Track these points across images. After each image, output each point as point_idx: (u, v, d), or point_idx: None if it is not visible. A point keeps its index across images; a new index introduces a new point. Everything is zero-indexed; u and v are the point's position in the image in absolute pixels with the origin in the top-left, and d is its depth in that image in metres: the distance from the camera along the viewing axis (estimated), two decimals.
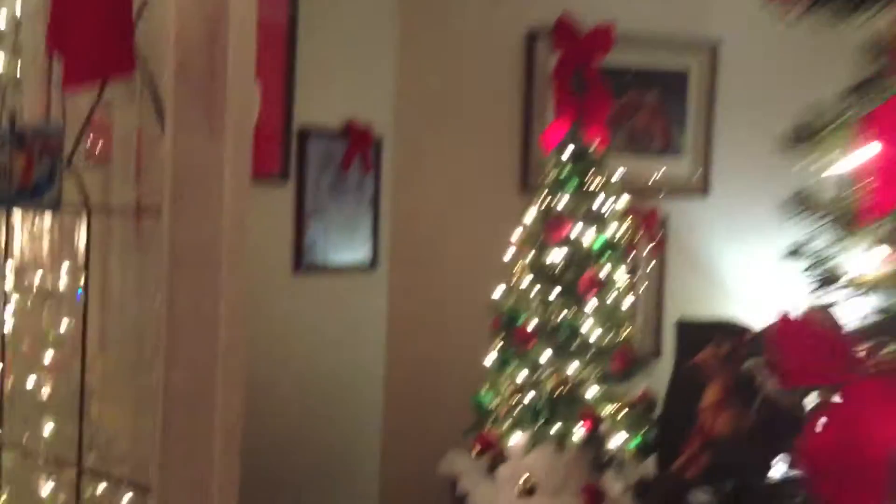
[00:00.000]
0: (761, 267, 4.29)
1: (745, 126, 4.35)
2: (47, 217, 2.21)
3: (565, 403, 2.99)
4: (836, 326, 3.29)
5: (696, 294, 4.29)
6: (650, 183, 4.02)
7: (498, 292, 3.16)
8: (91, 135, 2.12)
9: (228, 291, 1.77)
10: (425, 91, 4.20)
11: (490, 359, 3.19)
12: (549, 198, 3.07)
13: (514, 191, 4.10)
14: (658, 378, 3.47)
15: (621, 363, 2.98)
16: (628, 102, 4.11)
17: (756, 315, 4.17)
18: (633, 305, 3.10)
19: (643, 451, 3.08)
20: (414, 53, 4.18)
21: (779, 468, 3.25)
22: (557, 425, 3.02)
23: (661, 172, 4.07)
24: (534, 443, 3.03)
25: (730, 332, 3.42)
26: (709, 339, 3.52)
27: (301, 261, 3.78)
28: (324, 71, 3.79)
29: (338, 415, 3.96)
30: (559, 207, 3.05)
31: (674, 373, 3.70)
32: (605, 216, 3.04)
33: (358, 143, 3.95)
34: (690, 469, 3.25)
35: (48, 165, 2.03)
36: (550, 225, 3.02)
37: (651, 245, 3.60)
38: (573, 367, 3.01)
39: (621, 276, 3.05)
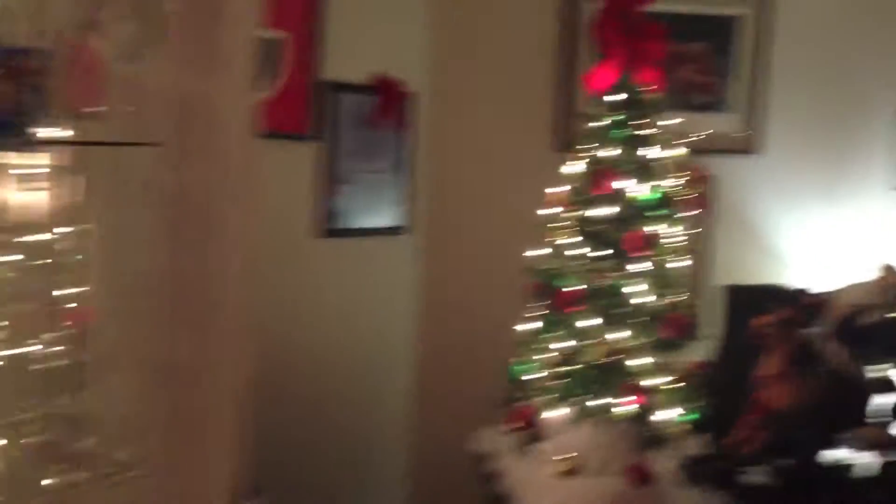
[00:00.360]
0: (814, 231, 3.96)
1: (802, 80, 3.97)
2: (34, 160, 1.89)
3: (611, 375, 2.65)
4: None
5: (744, 258, 3.94)
6: (695, 139, 3.63)
7: (537, 254, 2.82)
8: (79, 64, 1.80)
9: (234, 245, 1.46)
10: (460, 45, 3.90)
11: (528, 326, 2.85)
12: (596, 148, 2.71)
13: (552, 148, 3.78)
14: (701, 347, 3.11)
15: (674, 330, 2.63)
16: (672, 53, 3.72)
17: (808, 281, 3.86)
18: (687, 268, 2.73)
19: (696, 427, 2.73)
20: (447, 5, 3.88)
21: (842, 446, 2.93)
22: (602, 399, 2.68)
23: (707, 130, 3.68)
24: (575, 418, 2.70)
25: (788, 298, 3.08)
26: (761, 305, 3.21)
27: (329, 224, 3.52)
28: (353, 23, 3.52)
29: (366, 386, 3.72)
30: (607, 158, 2.68)
31: (724, 340, 3.35)
32: (657, 169, 2.67)
33: (389, 99, 3.65)
34: (747, 445, 2.92)
35: (26, 94, 1.70)
36: (597, 177, 2.66)
37: (698, 206, 3.23)
38: (620, 335, 2.66)
39: (674, 236, 2.69)
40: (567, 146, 3.48)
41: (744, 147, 3.95)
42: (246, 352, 1.52)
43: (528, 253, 2.84)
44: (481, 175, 3.90)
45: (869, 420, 2.85)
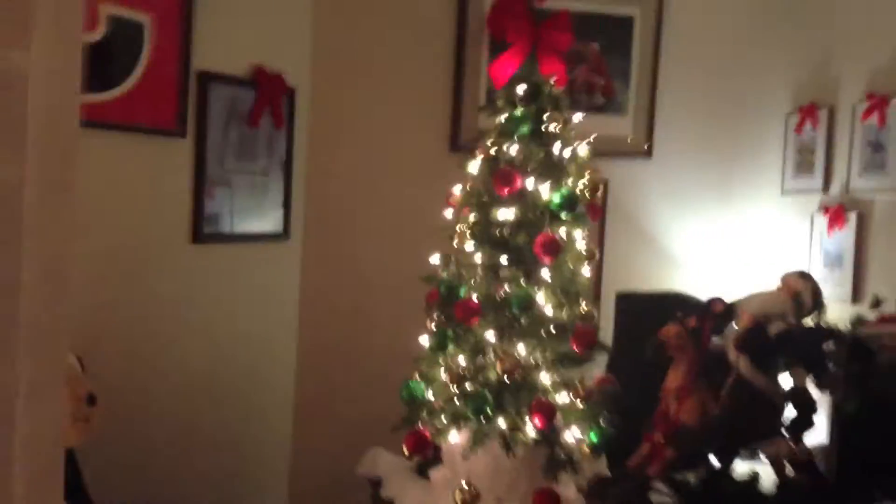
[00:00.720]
0: (705, 236, 3.81)
1: (695, 83, 3.83)
2: None
3: (515, 393, 2.34)
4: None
5: (633, 264, 3.74)
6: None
7: (433, 261, 2.49)
8: None
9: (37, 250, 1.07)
10: (346, 35, 3.60)
11: (423, 340, 2.52)
12: (497, 146, 2.40)
13: (444, 149, 3.49)
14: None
15: (582, 343, 2.35)
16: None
17: (700, 287, 3.68)
18: (592, 275, 2.46)
19: (602, 447, 2.46)
20: None
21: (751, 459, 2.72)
22: (505, 420, 2.37)
23: (600, 132, 3.46)
24: (476, 441, 2.38)
25: (694, 307, 2.86)
26: (653, 312, 2.99)
27: (201, 229, 3.12)
28: (229, 8, 3.19)
29: (244, 403, 3.36)
30: (510, 156, 2.38)
31: (614, 350, 3.10)
32: (564, 168, 2.39)
33: (268, 93, 3.27)
34: (653, 464, 2.67)
35: None
36: (498, 178, 2.35)
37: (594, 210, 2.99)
38: (525, 349, 2.36)
39: (581, 241, 2.41)
40: (464, 145, 3.20)
41: (636, 150, 3.75)
42: (56, 377, 1.12)
43: (423, 260, 2.51)
44: (370, 176, 3.61)
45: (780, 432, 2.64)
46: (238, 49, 3.21)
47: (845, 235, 3.36)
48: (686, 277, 3.84)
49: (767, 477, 2.64)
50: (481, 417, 2.38)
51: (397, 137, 3.57)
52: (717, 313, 2.70)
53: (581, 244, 2.43)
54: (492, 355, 2.43)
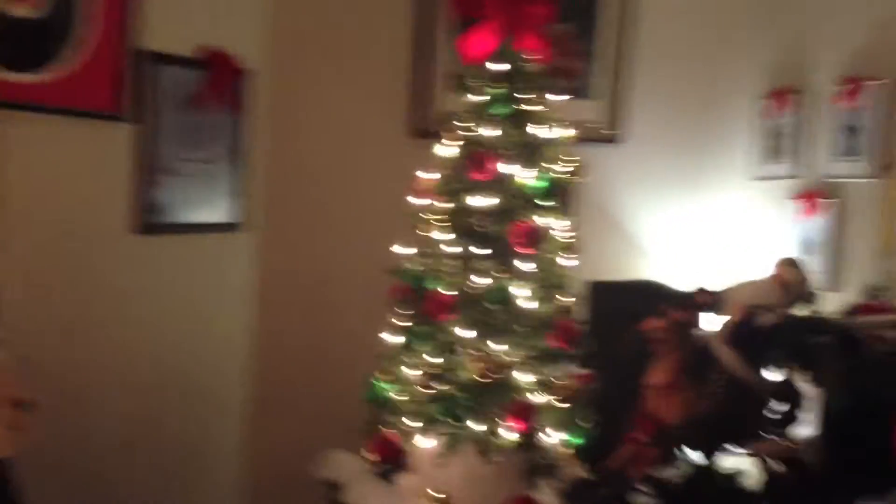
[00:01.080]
0: (676, 222, 3.63)
1: (664, 68, 3.66)
2: None
3: (491, 394, 2.12)
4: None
5: (604, 252, 3.54)
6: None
7: (403, 252, 2.25)
8: None
9: None
10: (304, 15, 3.34)
11: (390, 338, 2.27)
12: (474, 127, 2.16)
13: (408, 134, 3.25)
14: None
15: (564, 339, 2.13)
16: None
17: (670, 276, 3.49)
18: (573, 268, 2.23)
19: (583, 449, 2.25)
20: None
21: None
22: (480, 423, 2.14)
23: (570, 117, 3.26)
24: (449, 446, 2.15)
25: (679, 299, 2.66)
26: (626, 303, 2.80)
27: (148, 218, 2.88)
28: None
29: (193, 403, 3.14)
30: (487, 139, 2.14)
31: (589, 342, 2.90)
32: (546, 152, 2.15)
33: (221, 76, 3.05)
34: (635, 465, 2.47)
35: None
36: (472, 162, 2.11)
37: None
38: (502, 347, 2.13)
39: (563, 230, 2.18)
40: (428, 129, 2.96)
41: (606, 136, 3.55)
42: None
43: (392, 251, 2.26)
44: (331, 164, 3.40)
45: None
46: (189, 29, 2.97)
47: (820, 222, 3.20)
48: (656, 266, 3.67)
49: (754, 472, 2.47)
50: (453, 421, 2.15)
51: (358, 123, 3.37)
52: (702, 305, 2.50)
53: (562, 233, 2.20)
54: (465, 353, 2.19)
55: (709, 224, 3.73)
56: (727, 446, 2.53)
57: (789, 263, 2.56)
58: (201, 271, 3.11)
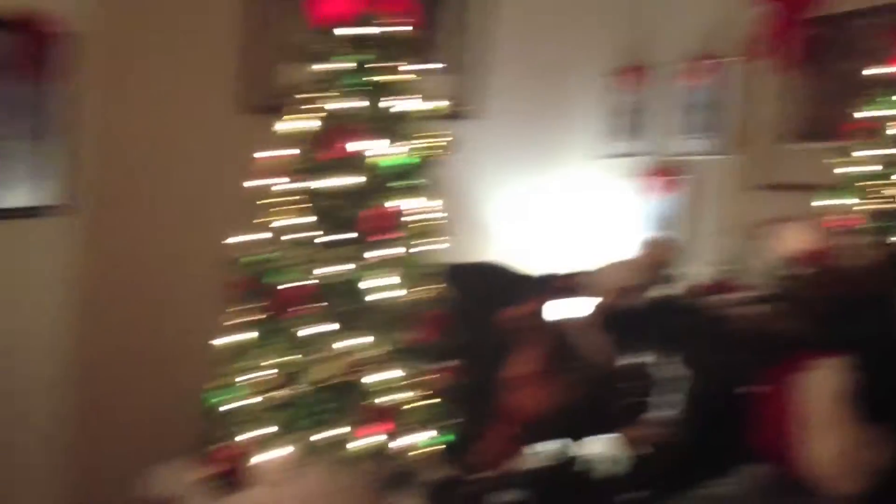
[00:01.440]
0: (526, 203, 3.46)
1: (514, 43, 3.46)
2: None
3: (348, 397, 1.87)
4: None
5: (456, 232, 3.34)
6: None
7: (245, 240, 1.95)
8: None
9: None
10: None
11: (233, 337, 1.97)
12: (325, 99, 1.88)
13: (242, 111, 2.93)
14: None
15: (431, 331, 1.91)
16: None
17: (521, 258, 3.34)
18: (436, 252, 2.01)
19: (449, 448, 2.04)
20: None
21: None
22: (335, 430, 1.88)
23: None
24: (297, 457, 1.88)
25: (538, 284, 2.49)
26: (476, 286, 2.61)
27: None
28: None
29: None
30: (340, 112, 1.86)
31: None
32: (408, 127, 1.90)
33: (32, 40, 2.69)
34: (498, 461, 2.29)
35: None
36: (327, 138, 1.83)
37: None
38: (359, 343, 1.88)
39: (428, 212, 1.95)
40: (266, 105, 2.66)
41: (457, 112, 3.33)
42: None
43: (232, 239, 1.95)
44: (160, 141, 3.03)
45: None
46: None
47: (672, 199, 3.13)
48: (505, 247, 3.50)
49: (620, 458, 2.36)
50: (303, 428, 1.88)
51: (187, 96, 3.04)
52: (562, 290, 2.34)
53: (426, 215, 1.96)
54: (317, 352, 1.92)
55: (558, 203, 3.62)
56: (593, 434, 2.42)
57: (661, 242, 2.45)
58: (10, 261, 2.70)
